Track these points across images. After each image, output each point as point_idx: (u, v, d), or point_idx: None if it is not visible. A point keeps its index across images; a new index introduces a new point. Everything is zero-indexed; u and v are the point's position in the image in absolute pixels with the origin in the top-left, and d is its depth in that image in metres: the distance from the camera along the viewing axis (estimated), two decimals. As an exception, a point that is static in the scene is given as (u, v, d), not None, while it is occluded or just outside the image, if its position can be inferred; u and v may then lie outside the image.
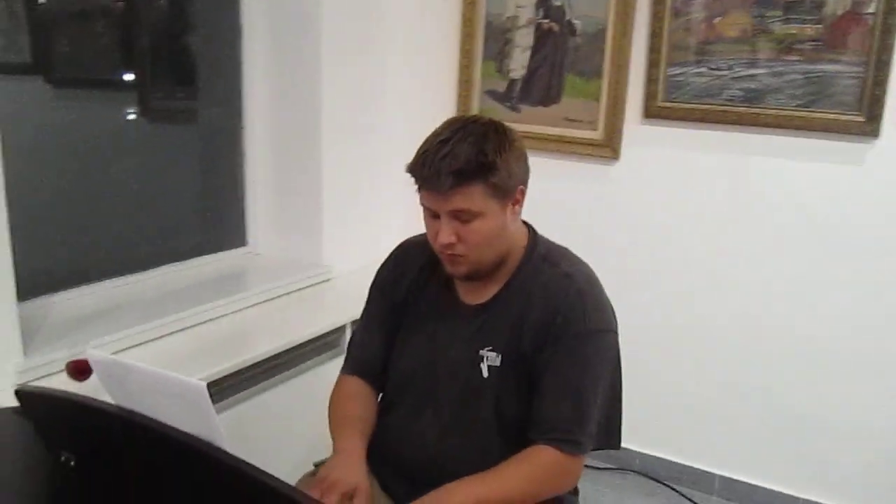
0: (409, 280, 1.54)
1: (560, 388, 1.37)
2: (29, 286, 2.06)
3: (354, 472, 1.34)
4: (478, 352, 1.42)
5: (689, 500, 2.66)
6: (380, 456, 1.53)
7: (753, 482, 2.63)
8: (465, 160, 1.29)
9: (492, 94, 2.83)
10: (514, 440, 1.39)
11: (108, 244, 2.48)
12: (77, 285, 2.26)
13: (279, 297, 2.51)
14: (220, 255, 2.73)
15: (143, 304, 2.25)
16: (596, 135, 2.65)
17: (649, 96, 2.55)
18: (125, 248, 2.50)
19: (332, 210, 2.69)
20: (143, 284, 2.42)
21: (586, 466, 2.71)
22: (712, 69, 2.45)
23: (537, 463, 1.35)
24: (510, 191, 1.36)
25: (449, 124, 1.36)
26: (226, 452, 0.94)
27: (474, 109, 2.85)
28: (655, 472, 2.77)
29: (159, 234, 2.62)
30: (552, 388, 1.37)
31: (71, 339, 1.96)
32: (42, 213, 2.24)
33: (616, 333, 1.45)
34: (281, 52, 2.62)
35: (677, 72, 2.50)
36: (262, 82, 2.65)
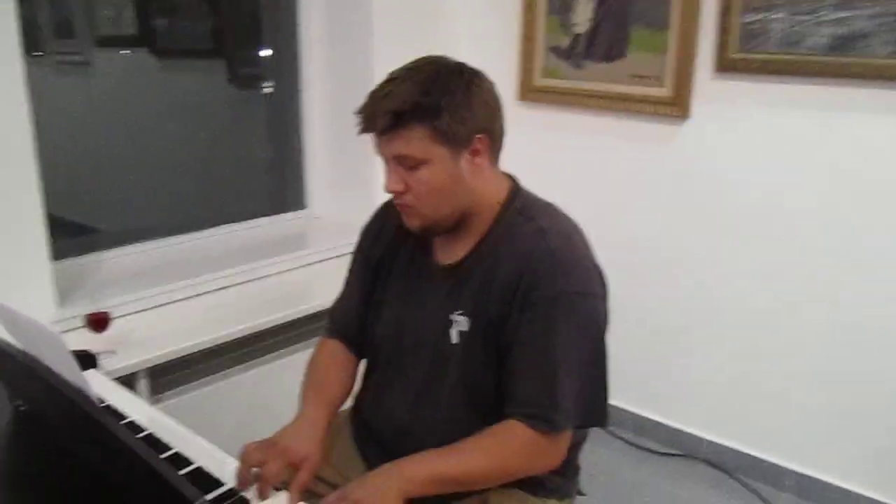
0: (388, 239, 1.45)
1: (529, 358, 1.25)
2: (98, 241, 2.23)
3: (306, 441, 1.27)
4: (448, 316, 1.32)
5: (757, 494, 2.41)
6: (359, 424, 1.49)
7: (830, 481, 2.34)
8: (403, 100, 1.19)
9: (555, 50, 2.65)
10: (487, 412, 1.29)
11: (180, 203, 2.64)
12: (143, 240, 2.40)
13: (335, 258, 2.53)
14: (281, 216, 2.78)
15: (199, 261, 2.34)
16: (663, 92, 2.42)
17: (722, 47, 2.28)
18: (194, 206, 2.64)
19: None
20: (204, 242, 2.52)
21: (645, 450, 2.59)
22: (794, 14, 2.15)
23: (505, 439, 1.24)
24: (462, 138, 1.24)
25: (410, 63, 1.27)
26: (86, 397, 0.91)
27: (537, 67, 2.69)
28: (722, 462, 2.54)
29: (227, 194, 2.73)
30: (521, 358, 1.25)
31: (112, 292, 2.06)
32: (126, 172, 2.43)
33: (599, 298, 1.29)
34: (335, 13, 2.60)
35: (753, 18, 2.21)
36: (318, 48, 2.65)
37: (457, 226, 1.32)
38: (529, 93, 2.74)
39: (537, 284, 1.23)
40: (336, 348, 1.51)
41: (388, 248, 1.45)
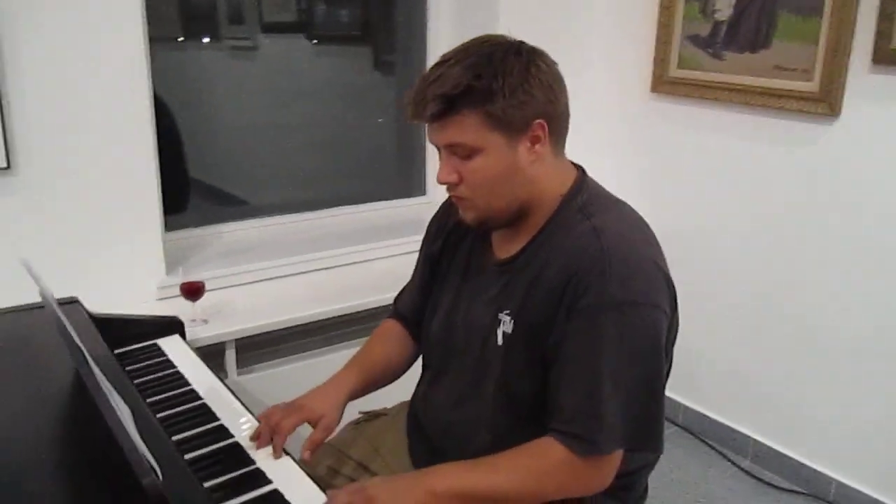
0: (448, 230, 1.39)
1: (573, 372, 1.13)
2: (226, 213, 2.41)
3: (325, 401, 1.31)
4: (497, 315, 1.23)
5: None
6: (411, 417, 1.46)
7: None
8: (453, 84, 1.10)
9: (693, 39, 2.44)
10: (527, 420, 1.20)
11: (315, 180, 2.76)
12: (269, 215, 2.52)
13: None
14: (401, 201, 2.80)
15: (311, 240, 2.42)
16: (810, 86, 2.15)
17: (881, 36, 1.98)
18: (326, 185, 2.76)
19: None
20: (323, 221, 2.58)
21: (764, 482, 2.34)
22: (974, -3, 1.83)
23: (541, 457, 1.14)
24: (519, 124, 1.13)
25: (464, 44, 1.18)
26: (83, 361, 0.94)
27: (673, 56, 2.50)
28: (853, 508, 2.25)
29: (357, 176, 2.82)
30: (565, 371, 1.14)
31: (219, 264, 2.17)
32: (276, 149, 2.61)
33: (658, 309, 1.13)
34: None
35: (923, 3, 1.91)
36: (445, 37, 2.62)
37: (515, 219, 1.23)
38: (663, 84, 2.55)
39: (586, 290, 1.11)
40: (392, 328, 1.50)
41: (449, 242, 1.39)
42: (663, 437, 1.18)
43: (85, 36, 1.79)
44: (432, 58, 2.68)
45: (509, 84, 1.11)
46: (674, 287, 1.20)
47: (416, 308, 1.47)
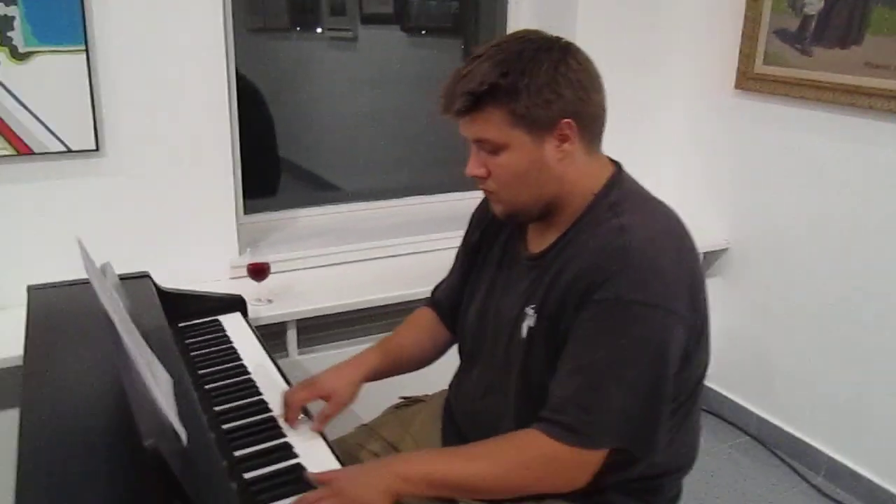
0: (488, 221, 1.41)
1: (572, 361, 1.13)
2: (309, 199, 2.56)
3: (338, 379, 1.36)
4: (523, 309, 1.24)
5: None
6: (446, 404, 1.50)
7: None
8: (479, 81, 1.12)
9: (781, 33, 2.33)
10: None
11: (397, 169, 2.85)
12: (346, 202, 2.62)
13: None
14: (474, 192, 2.81)
15: (381, 228, 2.48)
16: (903, 85, 2.02)
17: (984, 32, 1.85)
18: (408, 174, 2.86)
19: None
20: (397, 209, 2.65)
21: (837, 502, 2.22)
22: None
23: (521, 447, 1.14)
24: (544, 123, 1.14)
25: (496, 40, 1.19)
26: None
27: (759, 52, 2.39)
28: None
29: (437, 166, 2.87)
30: (564, 360, 1.14)
31: (288, 247, 2.27)
32: (366, 137, 2.73)
33: (674, 315, 1.10)
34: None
35: None
36: (524, 25, 2.62)
37: (545, 214, 1.23)
38: (748, 81, 2.45)
39: (600, 285, 1.11)
40: (424, 315, 1.54)
41: (487, 234, 1.41)
42: (656, 444, 1.15)
43: (169, 27, 1.91)
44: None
45: (535, 82, 1.12)
46: (701, 295, 1.17)
47: (451, 297, 1.49)
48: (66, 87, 1.81)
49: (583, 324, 1.13)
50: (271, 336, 2.01)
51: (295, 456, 1.23)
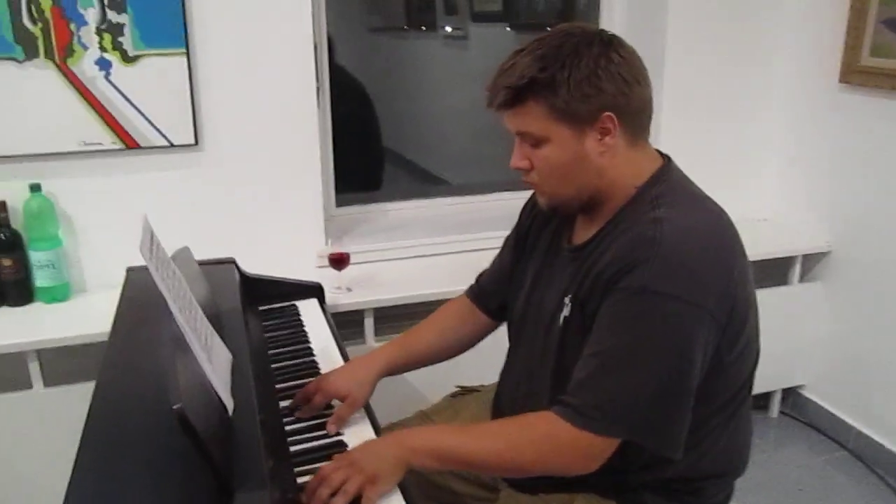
0: (537, 211, 1.43)
1: (591, 347, 1.14)
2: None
3: (350, 379, 1.38)
4: (562, 299, 1.26)
5: None
6: (496, 394, 1.52)
7: None
8: (519, 75, 1.15)
9: (890, 23, 2.19)
10: None
11: (494, 164, 2.88)
12: (422, 198, 2.69)
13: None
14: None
15: (468, 222, 2.54)
16: None
17: None
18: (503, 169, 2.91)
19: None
20: (487, 205, 2.69)
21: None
22: None
23: (529, 426, 1.16)
24: (584, 116, 1.15)
25: (542, 34, 1.20)
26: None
27: (866, 43, 2.26)
28: None
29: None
30: (587, 346, 1.16)
31: (374, 238, 2.37)
32: (469, 135, 2.82)
33: (700, 308, 1.08)
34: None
35: None
36: (618, 22, 2.59)
37: (588, 207, 1.25)
38: (853, 74, 2.31)
39: (627, 274, 1.11)
40: (459, 305, 1.58)
41: (536, 224, 1.43)
42: (679, 444, 1.13)
43: (261, 31, 2.04)
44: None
45: (575, 76, 1.13)
46: (741, 298, 1.14)
47: (495, 282, 1.52)
48: (169, 86, 1.98)
49: (606, 310, 1.14)
50: (350, 323, 2.11)
51: (340, 433, 1.31)
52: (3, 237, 1.93)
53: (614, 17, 2.60)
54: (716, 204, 1.22)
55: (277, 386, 1.47)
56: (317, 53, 2.26)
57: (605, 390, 1.11)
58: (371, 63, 3.34)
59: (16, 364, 1.83)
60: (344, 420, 1.33)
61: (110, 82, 1.94)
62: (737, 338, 1.17)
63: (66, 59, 1.89)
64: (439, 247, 2.37)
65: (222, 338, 1.38)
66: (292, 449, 1.27)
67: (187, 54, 1.98)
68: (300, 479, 1.18)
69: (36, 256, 1.96)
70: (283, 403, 1.41)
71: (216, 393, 1.13)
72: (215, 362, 1.21)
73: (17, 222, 1.95)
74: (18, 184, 1.92)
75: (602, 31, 1.19)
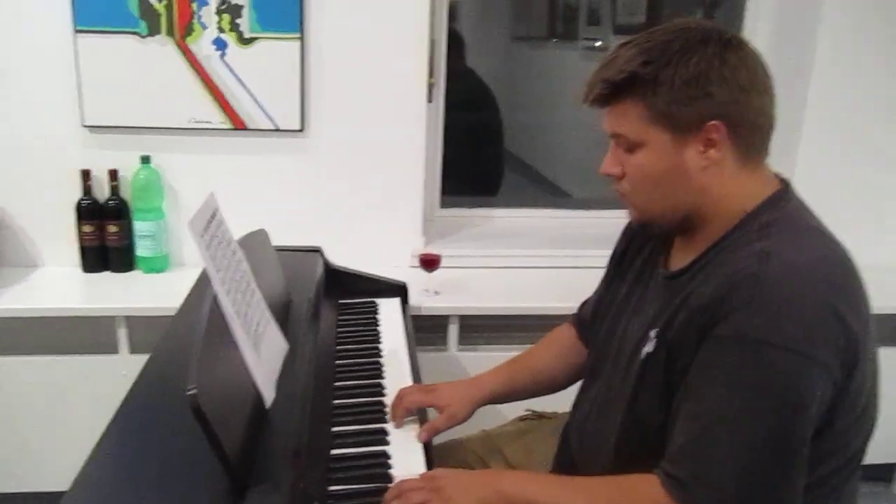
0: (636, 232, 1.29)
1: (690, 406, 0.99)
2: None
3: (456, 393, 1.33)
4: (647, 331, 1.12)
5: None
6: (567, 426, 1.40)
7: None
8: (619, 69, 1.02)
9: None
10: (652, 453, 1.04)
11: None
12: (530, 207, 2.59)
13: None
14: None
15: (568, 237, 2.41)
16: None
17: None
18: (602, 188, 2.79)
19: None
20: (593, 221, 2.54)
21: None
22: None
23: (632, 493, 1.02)
24: (687, 123, 1.00)
25: (655, 28, 1.07)
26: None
27: None
28: None
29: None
30: (684, 404, 1.00)
31: (471, 244, 2.29)
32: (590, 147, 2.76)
33: (810, 360, 0.91)
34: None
35: None
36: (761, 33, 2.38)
37: (684, 229, 1.10)
38: None
39: (725, 318, 0.95)
40: (562, 334, 1.46)
41: (633, 245, 1.29)
42: None
43: (376, 23, 2.01)
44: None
45: (681, 76, 0.99)
46: (861, 352, 0.96)
47: (592, 315, 1.38)
48: (281, 70, 1.98)
49: (703, 362, 0.98)
50: (435, 328, 2.03)
51: (386, 444, 1.23)
52: (112, 204, 2.00)
53: (758, 28, 2.39)
54: (837, 241, 1.03)
55: (336, 384, 1.41)
56: (434, 50, 2.20)
57: (704, 460, 0.95)
58: (509, 70, 3.28)
59: (106, 328, 1.88)
60: (437, 431, 1.28)
61: (225, 62, 1.96)
62: (855, 400, 0.98)
63: (186, 38, 1.93)
64: (540, 259, 2.25)
65: (285, 327, 1.34)
66: (333, 452, 1.20)
67: (301, 40, 1.97)
68: (331, 488, 1.11)
69: (140, 226, 2.02)
70: (336, 402, 1.35)
71: (254, 382, 1.08)
72: (264, 350, 1.16)
73: (125, 192, 2.02)
74: (130, 155, 1.99)
75: (722, 29, 1.04)
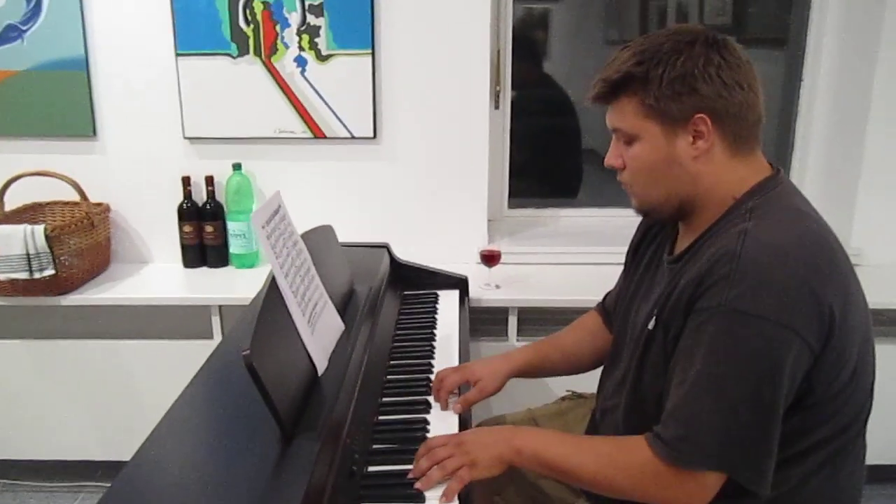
0: (648, 225, 1.40)
1: (677, 374, 1.09)
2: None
3: (487, 368, 1.46)
4: (652, 311, 1.22)
5: None
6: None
7: None
8: (616, 69, 1.14)
9: None
10: (654, 424, 1.14)
11: None
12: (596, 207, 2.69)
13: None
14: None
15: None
16: None
17: None
18: None
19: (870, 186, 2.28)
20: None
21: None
22: None
23: (625, 452, 1.13)
24: (676, 116, 1.11)
25: (655, 32, 1.19)
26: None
27: None
28: None
29: None
30: (672, 373, 1.11)
31: (536, 242, 2.41)
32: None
33: (787, 329, 1.00)
34: None
35: None
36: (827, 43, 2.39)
37: (681, 215, 1.21)
38: None
39: (706, 292, 1.05)
40: (590, 320, 1.58)
41: (649, 233, 1.40)
42: (768, 478, 1.04)
43: (441, 37, 2.17)
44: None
45: (669, 74, 1.11)
46: (839, 325, 1.03)
47: (614, 302, 1.49)
48: (355, 83, 2.18)
49: (688, 334, 1.09)
50: (496, 321, 2.16)
51: (427, 412, 1.38)
52: (209, 206, 2.25)
53: (822, 34, 2.40)
54: (819, 222, 1.11)
55: (391, 361, 1.58)
56: (500, 59, 2.35)
57: (689, 423, 1.06)
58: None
59: (203, 316, 2.12)
60: (470, 403, 1.41)
61: (305, 78, 2.18)
62: (836, 372, 1.06)
63: (271, 56, 2.16)
64: (597, 256, 2.34)
65: (345, 311, 1.52)
66: (380, 418, 1.36)
67: (373, 55, 2.16)
68: (374, 446, 1.27)
69: (233, 226, 2.26)
70: (389, 376, 1.51)
71: (308, 352, 1.25)
72: (319, 327, 1.33)
73: (220, 196, 2.27)
74: (224, 162, 2.23)
75: (711, 32, 1.14)
